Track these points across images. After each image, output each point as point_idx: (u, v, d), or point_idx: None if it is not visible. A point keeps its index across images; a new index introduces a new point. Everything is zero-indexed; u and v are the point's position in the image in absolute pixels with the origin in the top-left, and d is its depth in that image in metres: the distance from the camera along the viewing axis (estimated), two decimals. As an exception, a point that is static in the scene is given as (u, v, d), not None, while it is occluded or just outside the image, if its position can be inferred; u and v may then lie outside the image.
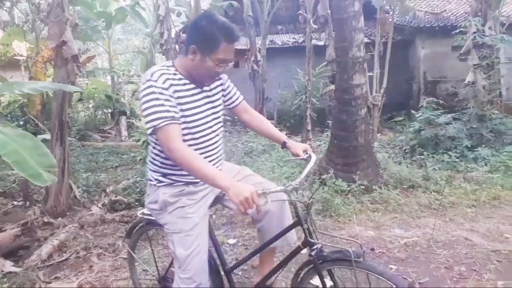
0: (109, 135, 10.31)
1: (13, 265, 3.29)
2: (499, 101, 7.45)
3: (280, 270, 2.01)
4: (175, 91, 1.76)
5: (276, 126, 8.82)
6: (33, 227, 3.95)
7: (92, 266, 3.34)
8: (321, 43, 9.67)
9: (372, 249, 3.38)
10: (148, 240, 2.59)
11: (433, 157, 5.83)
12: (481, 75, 7.04)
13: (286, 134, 8.07)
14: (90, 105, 11.90)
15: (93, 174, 6.14)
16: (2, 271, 3.15)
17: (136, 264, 2.68)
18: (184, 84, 1.81)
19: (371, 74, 7.23)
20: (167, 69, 1.80)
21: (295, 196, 1.79)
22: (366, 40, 9.15)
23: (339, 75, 4.93)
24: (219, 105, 1.99)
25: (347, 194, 4.47)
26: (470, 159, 5.72)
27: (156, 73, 1.74)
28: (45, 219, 4.15)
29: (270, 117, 9.97)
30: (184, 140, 1.75)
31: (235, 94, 2.13)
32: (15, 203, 4.94)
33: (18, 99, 9.15)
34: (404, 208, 4.23)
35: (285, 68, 11.14)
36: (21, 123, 8.70)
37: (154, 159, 1.92)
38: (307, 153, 2.08)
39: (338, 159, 4.91)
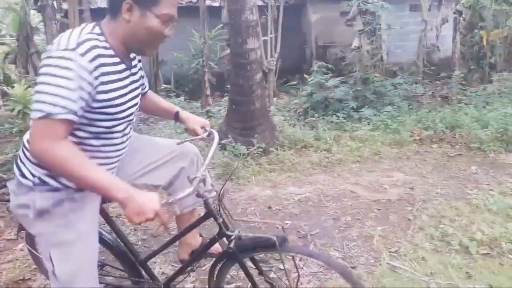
0: (-20, 104, 9.02)
1: None
2: (380, 65, 8.16)
3: (195, 264, 1.91)
4: (102, 74, 1.34)
5: (173, 91, 8.60)
6: None
7: (-31, 252, 2.98)
8: (216, 4, 9.49)
9: (269, 207, 3.54)
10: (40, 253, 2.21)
11: (323, 118, 6.22)
12: (365, 40, 7.59)
13: (185, 100, 7.99)
14: (-48, 70, 10.20)
15: (-37, 150, 5.37)
16: None
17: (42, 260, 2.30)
18: (114, 64, 1.41)
19: (265, 38, 7.33)
20: (97, 39, 1.36)
21: (203, 188, 1.59)
22: (260, 3, 9.21)
23: (234, 38, 4.91)
24: (139, 90, 1.63)
25: (246, 157, 4.59)
26: (356, 119, 6.24)
27: (85, 44, 1.30)
28: None
29: (167, 82, 9.63)
30: (99, 132, 1.44)
31: (145, 80, 1.79)
32: None
33: None
34: (298, 167, 4.48)
35: (180, 29, 10.59)
36: None
37: None
38: (206, 131, 1.83)
39: (237, 124, 4.97)
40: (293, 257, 1.69)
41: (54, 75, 1.26)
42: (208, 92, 7.28)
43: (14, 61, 9.89)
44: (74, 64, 1.27)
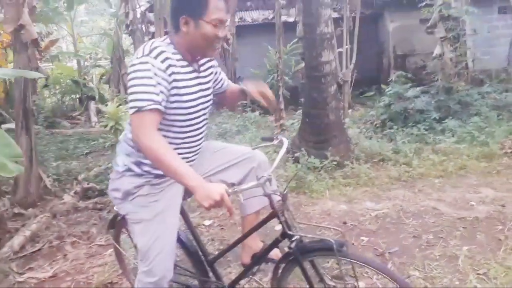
0: (78, 121, 10.06)
1: (-16, 258, 3.22)
2: (465, 73, 7.62)
3: (259, 264, 1.96)
4: (173, 73, 1.62)
5: (250, 106, 8.85)
6: (3, 219, 3.85)
7: (66, 254, 3.32)
8: (291, 19, 9.61)
9: (345, 223, 3.47)
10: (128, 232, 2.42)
11: (402, 130, 5.96)
12: (447, 47, 7.16)
13: (260, 114, 8.16)
14: (57, 91, 11.52)
15: (64, 162, 6.00)
16: (-28, 264, 3.08)
17: (123, 255, 2.55)
18: (182, 66, 1.68)
19: (340, 50, 7.24)
20: (167, 47, 1.65)
21: (270, 187, 1.68)
22: (335, 15, 9.16)
23: (308, 52, 4.93)
24: (210, 89, 1.86)
25: (320, 171, 4.54)
26: (438, 131, 5.88)
27: (156, 50, 1.60)
28: (15, 210, 4.06)
29: (243, 97, 9.90)
30: (172, 125, 1.69)
31: (224, 79, 2.04)
32: (-18, 195, 4.79)
33: (-21, 88, 8.77)
34: (375, 182, 4.34)
35: (256, 46, 11.01)
36: (-16, 112, 8.36)
37: (132, 140, 1.73)
38: (277, 138, 1.94)
39: (310, 137, 4.96)
40: (352, 264, 1.66)
41: (138, 78, 1.55)
42: (282, 106, 7.35)
43: (108, 82, 10.92)
44: (150, 65, 1.56)
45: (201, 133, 1.84)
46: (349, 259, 1.64)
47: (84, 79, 11.01)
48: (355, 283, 1.77)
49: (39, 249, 3.41)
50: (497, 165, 4.56)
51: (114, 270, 2.91)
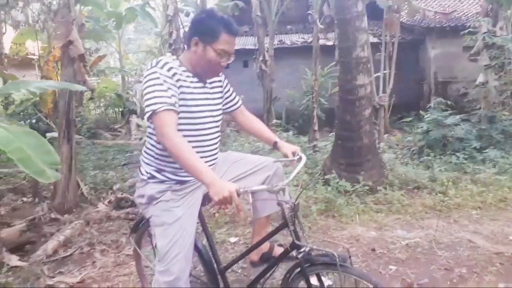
0: (119, 133, 10.46)
1: (19, 260, 3.36)
2: (510, 102, 7.33)
3: (270, 272, 1.99)
4: (179, 80, 1.80)
5: (284, 126, 8.88)
6: (40, 223, 4.03)
7: (95, 261, 3.40)
8: (330, 43, 9.66)
9: (373, 250, 3.37)
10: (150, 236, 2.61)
11: (440, 158, 5.77)
12: (492, 75, 6.95)
13: (294, 134, 8.17)
14: (101, 104, 12.07)
15: (101, 172, 6.22)
16: (8, 264, 3.23)
17: (141, 259, 2.67)
18: (188, 77, 1.86)
19: (378, 74, 7.18)
20: (172, 61, 1.85)
21: (283, 197, 1.75)
22: (375, 40, 9.10)
23: (343, 75, 4.90)
24: (219, 103, 2.03)
25: (351, 195, 4.46)
26: (478, 161, 5.65)
27: (161, 61, 1.79)
28: (52, 215, 4.23)
29: (278, 117, 9.98)
30: (182, 130, 1.78)
31: (234, 98, 2.19)
32: (25, 199, 5.04)
33: (31, 98, 9.32)
34: (408, 209, 4.20)
35: (294, 68, 11.14)
36: (34, 121, 8.85)
37: (150, 149, 1.93)
38: (297, 155, 2.06)
39: (342, 159, 4.89)
40: (355, 280, 1.67)
41: (150, 86, 1.73)
42: (316, 127, 7.33)
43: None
44: (159, 74, 1.75)
45: (212, 144, 1.97)
46: (350, 275, 1.66)
47: (128, 93, 11.47)
48: None
49: (70, 254, 3.52)
50: (541, 200, 4.31)
51: (138, 280, 2.95)
